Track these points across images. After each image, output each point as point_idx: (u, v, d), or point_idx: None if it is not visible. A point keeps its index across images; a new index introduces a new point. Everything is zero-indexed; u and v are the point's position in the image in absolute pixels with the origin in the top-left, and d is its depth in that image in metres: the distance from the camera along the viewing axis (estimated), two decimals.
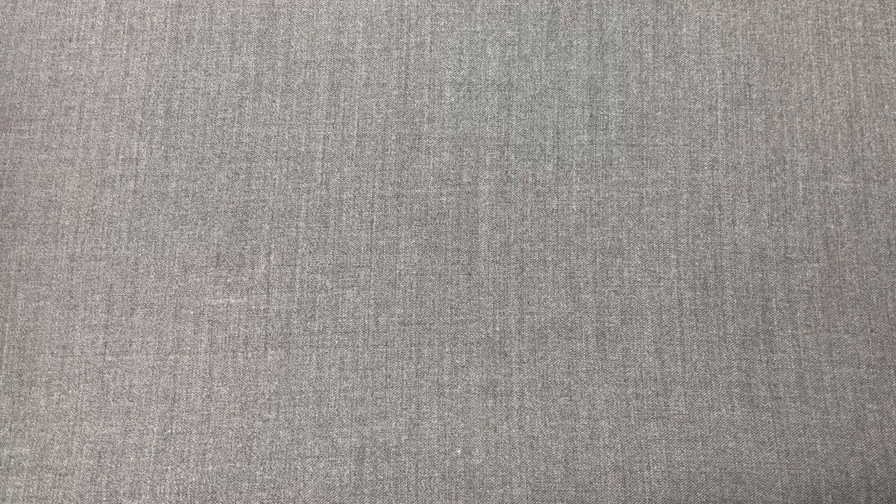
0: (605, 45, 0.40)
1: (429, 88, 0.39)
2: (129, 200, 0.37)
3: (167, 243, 0.37)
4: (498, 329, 0.37)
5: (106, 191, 0.37)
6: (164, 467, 0.35)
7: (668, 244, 0.38)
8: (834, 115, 0.39)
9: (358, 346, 0.36)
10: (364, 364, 0.36)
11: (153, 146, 0.38)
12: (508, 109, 0.39)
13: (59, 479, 0.35)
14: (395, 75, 0.39)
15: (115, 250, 0.37)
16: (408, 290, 0.37)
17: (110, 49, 0.39)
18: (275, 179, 0.38)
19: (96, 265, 0.37)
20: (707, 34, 0.40)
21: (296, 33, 0.39)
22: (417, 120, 0.39)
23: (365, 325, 0.36)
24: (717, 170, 0.39)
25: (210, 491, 0.35)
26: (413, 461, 0.35)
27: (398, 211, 0.38)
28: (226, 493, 0.35)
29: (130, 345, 0.36)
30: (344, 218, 0.38)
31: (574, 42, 0.40)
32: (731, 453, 0.36)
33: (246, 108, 0.38)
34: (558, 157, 0.39)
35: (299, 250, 0.37)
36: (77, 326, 0.36)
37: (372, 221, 0.37)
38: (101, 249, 0.37)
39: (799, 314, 0.37)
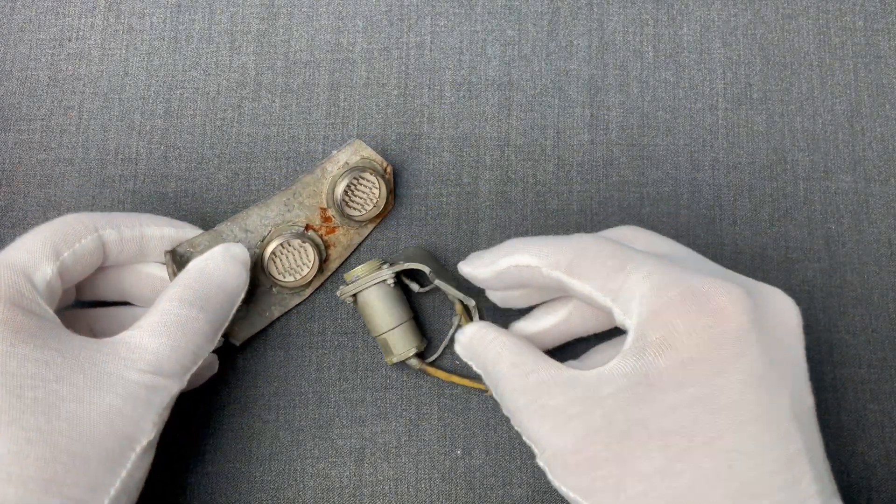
0: (605, 45, 0.40)
1: (429, 88, 0.39)
2: (129, 201, 0.37)
3: None
4: None
5: (105, 191, 0.37)
6: (164, 467, 0.35)
7: None
8: (835, 115, 0.39)
9: (357, 347, 0.36)
10: (364, 365, 0.36)
11: (152, 146, 0.38)
12: (508, 109, 0.39)
13: None
14: (395, 75, 0.39)
15: None
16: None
17: (109, 49, 0.39)
18: (275, 179, 0.38)
19: None
20: (708, 33, 0.40)
21: (296, 33, 0.39)
22: (417, 120, 0.39)
23: (364, 325, 0.36)
24: (718, 169, 0.39)
25: (210, 491, 0.35)
26: (413, 461, 0.35)
27: (398, 211, 0.38)
28: (226, 493, 0.35)
29: None
30: None
31: (574, 42, 0.40)
32: None
33: (245, 108, 0.38)
34: (558, 157, 0.38)
35: None
36: None
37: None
38: None
39: None
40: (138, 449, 0.27)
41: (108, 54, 0.39)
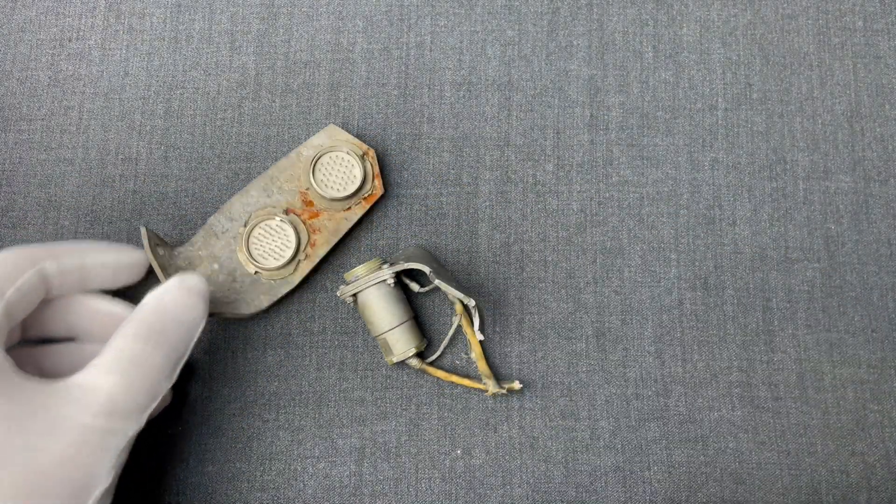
0: (605, 45, 0.40)
1: (429, 88, 0.39)
2: (129, 201, 0.37)
3: None
4: (498, 329, 0.37)
5: (105, 191, 0.37)
6: (165, 467, 0.35)
7: (668, 244, 0.38)
8: (834, 115, 0.39)
9: (357, 347, 0.36)
10: (364, 365, 0.36)
11: (153, 146, 0.38)
12: (508, 109, 0.39)
13: None
14: (395, 75, 0.39)
15: None
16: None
17: (110, 49, 0.39)
18: None
19: None
20: (707, 34, 0.40)
21: (296, 33, 0.39)
22: (417, 120, 0.39)
23: (364, 325, 0.36)
24: (718, 170, 0.39)
25: (210, 491, 0.35)
26: (413, 461, 0.35)
27: (398, 211, 0.38)
28: (226, 493, 0.35)
29: None
30: None
31: (574, 42, 0.40)
32: (732, 453, 0.36)
33: (245, 108, 0.38)
34: (558, 157, 0.38)
35: None
36: None
37: (371, 221, 0.37)
38: None
39: (799, 314, 0.37)
40: (92, 499, 0.26)
41: (109, 54, 0.39)
